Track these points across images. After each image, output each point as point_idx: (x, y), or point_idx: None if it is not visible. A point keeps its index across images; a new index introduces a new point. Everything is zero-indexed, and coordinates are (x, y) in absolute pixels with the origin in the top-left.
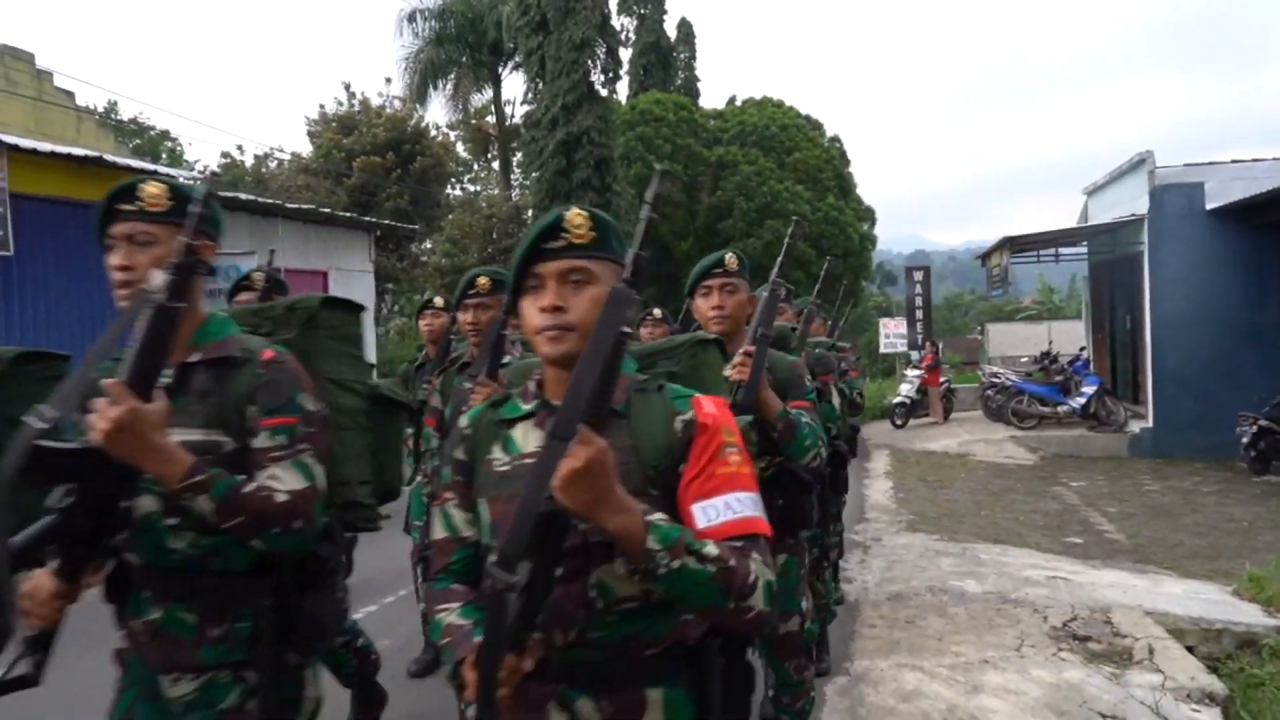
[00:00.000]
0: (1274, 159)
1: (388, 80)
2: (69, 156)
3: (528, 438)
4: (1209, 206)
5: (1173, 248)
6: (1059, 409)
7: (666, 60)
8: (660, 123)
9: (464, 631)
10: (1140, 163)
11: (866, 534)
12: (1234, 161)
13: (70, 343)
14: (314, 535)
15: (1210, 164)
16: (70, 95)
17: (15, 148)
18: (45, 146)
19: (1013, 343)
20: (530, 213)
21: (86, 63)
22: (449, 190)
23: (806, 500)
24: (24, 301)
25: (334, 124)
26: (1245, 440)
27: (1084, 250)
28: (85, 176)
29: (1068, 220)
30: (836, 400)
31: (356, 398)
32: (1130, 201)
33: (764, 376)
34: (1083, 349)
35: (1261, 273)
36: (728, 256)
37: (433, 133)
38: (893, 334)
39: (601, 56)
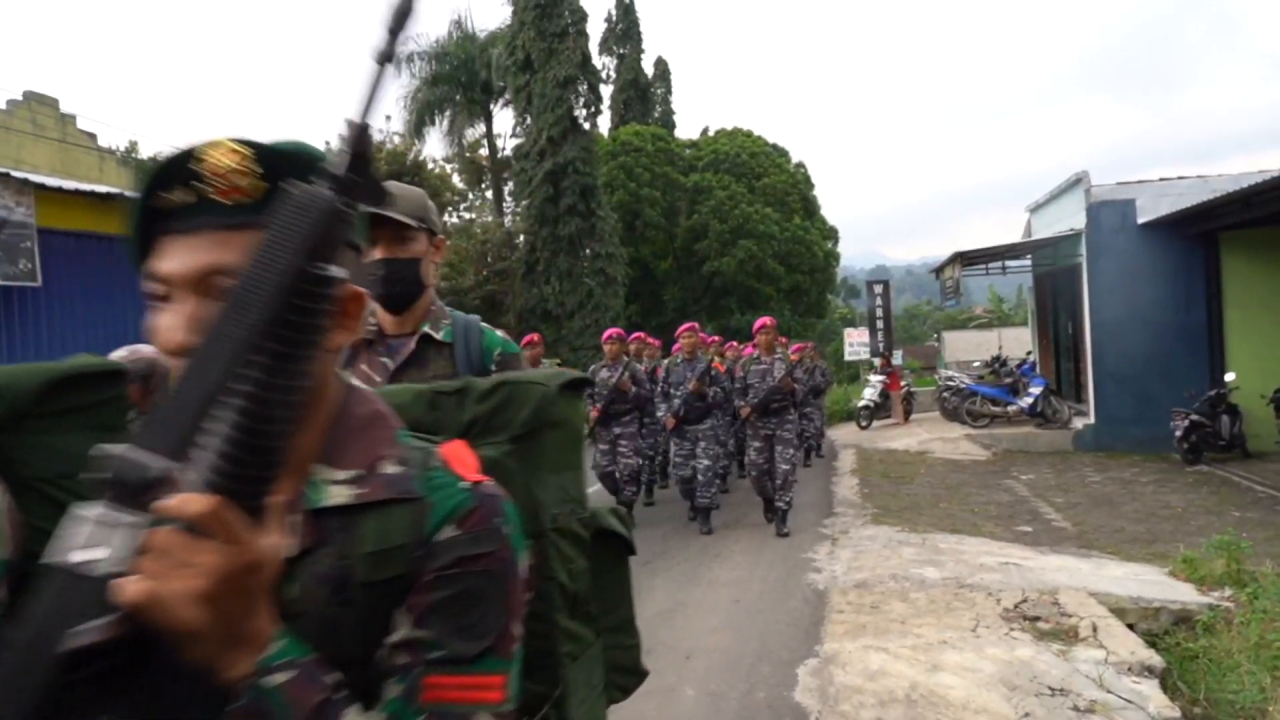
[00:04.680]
0: (1197, 176)
1: (388, 117)
2: (92, 194)
3: None
4: (1140, 221)
5: (1108, 259)
6: (1009, 408)
7: (645, 95)
8: (639, 153)
9: None
10: (1077, 182)
11: (835, 527)
12: (1161, 180)
13: None
14: None
15: (1140, 182)
16: (93, 137)
17: (42, 186)
18: (70, 185)
19: (966, 349)
20: (521, 238)
21: (108, 105)
22: (446, 218)
23: None
24: (53, 328)
25: None
26: (1178, 434)
27: (1028, 263)
28: (108, 212)
29: (1013, 235)
30: None
31: None
32: (1069, 217)
33: None
34: (1029, 353)
35: (1189, 280)
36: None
37: (430, 165)
38: (856, 343)
39: (584, 93)
